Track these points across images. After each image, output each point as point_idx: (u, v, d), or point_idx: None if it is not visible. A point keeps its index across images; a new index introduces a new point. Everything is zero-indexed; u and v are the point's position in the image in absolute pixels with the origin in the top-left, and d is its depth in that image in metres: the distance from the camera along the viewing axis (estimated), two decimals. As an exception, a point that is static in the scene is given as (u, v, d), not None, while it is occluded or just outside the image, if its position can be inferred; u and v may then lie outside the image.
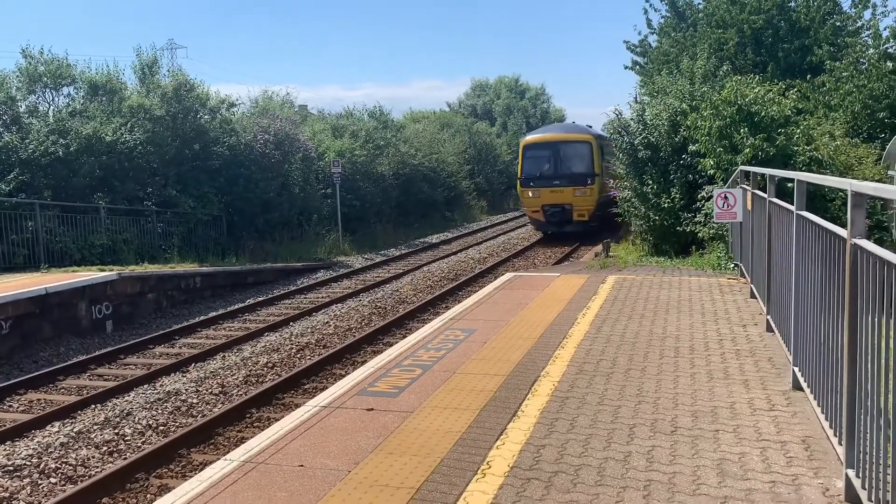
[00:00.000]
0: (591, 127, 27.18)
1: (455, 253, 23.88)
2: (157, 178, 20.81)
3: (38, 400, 9.63)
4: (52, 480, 7.03)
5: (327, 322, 13.58)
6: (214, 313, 14.83)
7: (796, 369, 5.47)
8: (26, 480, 6.98)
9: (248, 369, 10.61)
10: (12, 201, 16.55)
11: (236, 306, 15.43)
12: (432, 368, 6.55)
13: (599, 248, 18.16)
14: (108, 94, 22.17)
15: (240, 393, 9.61)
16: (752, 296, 8.92)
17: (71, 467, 7.30)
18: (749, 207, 8.95)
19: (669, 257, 14.30)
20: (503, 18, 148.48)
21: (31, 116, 20.68)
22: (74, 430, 8.27)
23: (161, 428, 8.38)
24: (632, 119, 16.66)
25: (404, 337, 10.41)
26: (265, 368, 10.69)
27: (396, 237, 28.36)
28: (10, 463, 7.32)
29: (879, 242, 3.88)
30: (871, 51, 18.85)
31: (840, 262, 3.88)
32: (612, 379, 6.01)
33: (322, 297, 16.41)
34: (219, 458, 4.82)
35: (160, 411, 8.90)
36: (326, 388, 7.50)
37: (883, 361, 3.16)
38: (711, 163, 12.76)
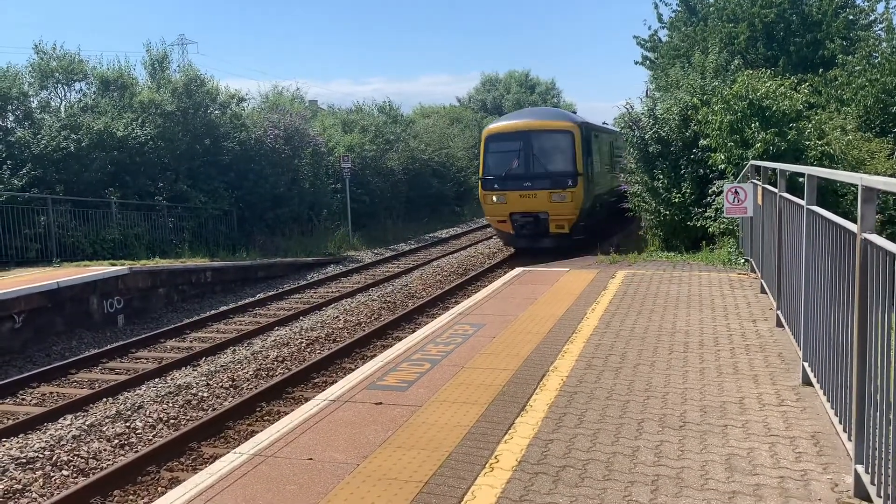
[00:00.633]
0: (575, 113, 23.61)
1: (465, 248, 23.89)
2: (168, 172, 20.90)
3: (51, 393, 9.71)
4: (65, 473, 7.09)
5: (337, 316, 13.62)
6: (225, 307, 14.89)
7: (806, 364, 5.45)
8: (39, 473, 7.04)
9: (259, 363, 10.65)
10: (25, 196, 16.67)
11: (246, 300, 15.49)
12: (441, 363, 6.56)
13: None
14: (119, 90, 22.27)
15: (250, 387, 9.66)
16: (763, 291, 8.89)
17: (83, 460, 7.36)
18: (760, 202, 8.91)
19: (680, 252, 14.24)
20: (512, 13, 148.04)
21: (44, 112, 20.80)
22: (86, 423, 8.34)
23: (172, 421, 8.44)
24: (642, 113, 16.60)
25: (413, 331, 10.43)
26: (275, 362, 10.73)
27: (406, 232, 28.39)
28: (23, 455, 7.39)
29: (892, 238, 3.85)
30: (885, 44, 18.70)
31: (850, 257, 3.86)
32: (621, 374, 6.01)
33: (332, 292, 16.46)
34: (229, 452, 4.85)
35: (171, 405, 8.95)
36: (336, 381, 7.53)
37: (893, 357, 3.15)
38: (722, 157, 12.70)
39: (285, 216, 23.37)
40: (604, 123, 24.76)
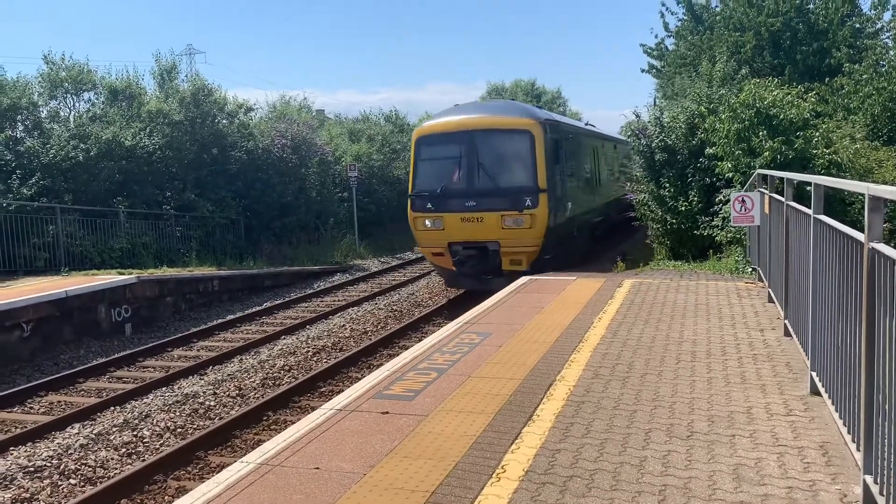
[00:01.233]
0: (541, 108, 18.92)
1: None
2: (175, 182, 21.00)
3: (59, 402, 9.74)
4: (72, 481, 7.11)
5: (343, 325, 13.63)
6: (232, 316, 14.93)
7: (814, 374, 5.43)
8: (47, 481, 7.06)
9: (265, 372, 10.67)
10: (34, 205, 16.77)
11: (253, 309, 15.53)
12: (447, 372, 6.55)
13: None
14: (127, 100, 22.42)
15: (256, 396, 9.67)
16: (770, 300, 8.86)
17: (90, 468, 7.38)
18: (767, 211, 8.89)
19: (687, 261, 14.21)
20: (519, 23, 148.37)
21: (53, 121, 20.96)
22: (94, 431, 8.36)
23: (179, 430, 8.45)
24: (648, 122, 16.60)
25: (420, 340, 10.43)
26: (282, 371, 10.74)
27: (412, 241, 28.38)
28: (30, 464, 7.41)
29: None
30: (892, 52, 18.70)
31: (857, 266, 3.85)
32: (629, 383, 5.99)
33: (338, 301, 16.48)
34: (235, 461, 4.86)
35: (178, 413, 8.97)
36: (342, 390, 7.53)
37: (901, 366, 3.13)
38: (729, 166, 12.69)
39: (292, 225, 23.44)
40: (588, 125, 22.13)
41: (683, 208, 14.90)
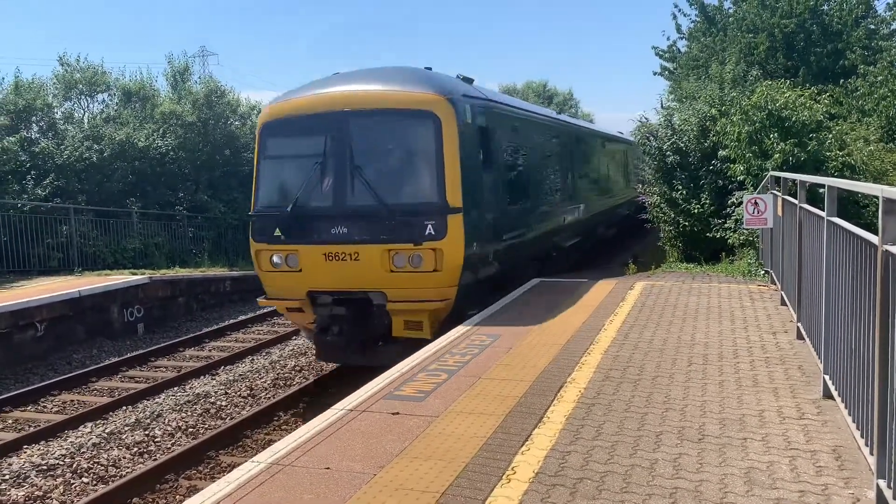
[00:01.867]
0: (466, 81, 10.81)
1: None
2: (188, 183, 21.13)
3: (72, 401, 9.81)
4: (85, 480, 7.16)
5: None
6: (243, 317, 14.99)
7: (827, 377, 5.39)
8: (59, 480, 7.11)
9: (276, 372, 10.70)
10: (48, 206, 16.91)
11: (265, 310, 15.58)
12: (457, 373, 6.55)
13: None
14: (141, 101, 22.59)
15: (268, 396, 9.70)
16: (783, 303, 8.80)
17: (103, 467, 7.43)
18: (780, 213, 8.84)
19: (699, 263, 14.15)
20: (531, 25, 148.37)
21: (67, 123, 21.12)
22: (106, 430, 8.41)
23: (190, 430, 8.50)
24: (660, 124, 16.54)
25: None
26: (293, 371, 10.78)
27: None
28: (44, 462, 7.47)
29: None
30: (907, 54, 18.55)
31: (871, 269, 3.82)
32: (640, 386, 5.97)
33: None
34: (246, 460, 4.87)
35: (190, 413, 9.01)
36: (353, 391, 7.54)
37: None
38: (741, 168, 12.63)
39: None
40: (560, 113, 18.85)
41: (696, 211, 14.84)
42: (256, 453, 5.53)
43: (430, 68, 10.62)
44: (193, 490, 6.70)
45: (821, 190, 6.57)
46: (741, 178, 12.76)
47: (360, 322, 9.36)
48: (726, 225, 13.66)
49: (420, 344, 8.12)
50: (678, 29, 26.06)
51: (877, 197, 3.65)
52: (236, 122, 23.52)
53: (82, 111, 22.65)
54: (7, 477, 7.16)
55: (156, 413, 9.00)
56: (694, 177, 15.22)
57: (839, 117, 15.79)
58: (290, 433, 5.25)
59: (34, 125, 20.15)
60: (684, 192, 15.18)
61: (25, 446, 7.98)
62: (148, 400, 9.60)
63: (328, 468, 4.56)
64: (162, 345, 12.68)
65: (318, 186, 9.34)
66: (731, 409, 5.33)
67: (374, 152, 9.34)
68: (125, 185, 19.53)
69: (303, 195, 9.32)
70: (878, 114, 17.03)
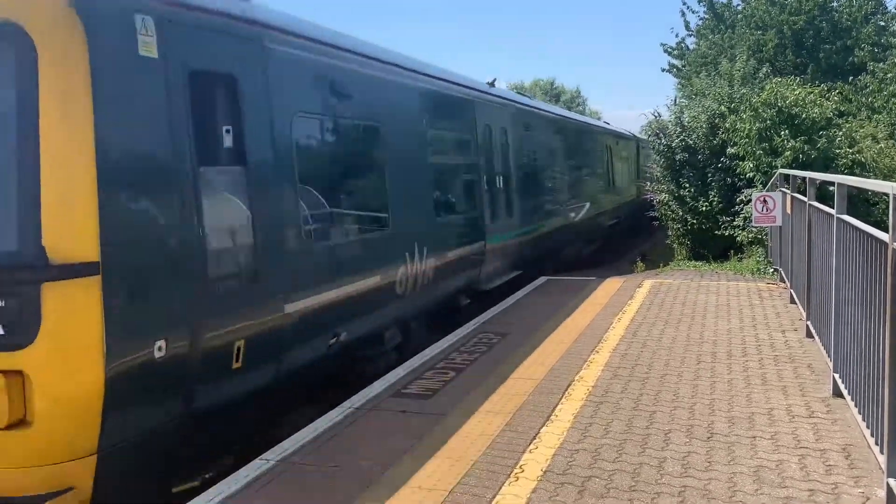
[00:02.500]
0: None
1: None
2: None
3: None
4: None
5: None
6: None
7: (836, 376, 5.37)
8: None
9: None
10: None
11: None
12: (465, 371, 6.55)
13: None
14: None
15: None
16: (792, 301, 8.77)
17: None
18: (789, 211, 8.81)
19: (707, 261, 14.10)
20: (538, 22, 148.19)
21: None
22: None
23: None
24: (669, 121, 16.48)
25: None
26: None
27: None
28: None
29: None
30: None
31: (882, 266, 3.80)
32: (648, 384, 5.95)
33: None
34: (255, 458, 4.88)
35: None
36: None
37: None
38: (751, 166, 12.58)
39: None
40: (492, 84, 11.96)
41: (704, 208, 14.78)
42: (264, 451, 5.51)
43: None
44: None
45: (830, 188, 6.54)
46: (750, 175, 12.71)
47: None
48: (735, 223, 13.61)
49: None
50: (687, 26, 25.98)
51: (887, 194, 3.63)
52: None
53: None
54: None
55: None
56: (702, 174, 15.17)
57: (848, 115, 15.71)
58: (298, 431, 5.25)
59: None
60: (692, 189, 15.13)
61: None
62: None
63: (336, 466, 4.56)
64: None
65: None
66: (739, 407, 5.32)
67: None
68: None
69: None
70: (887, 111, 16.92)
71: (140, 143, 4.47)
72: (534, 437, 4.87)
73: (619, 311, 9.02)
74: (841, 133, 12.36)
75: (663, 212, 16.48)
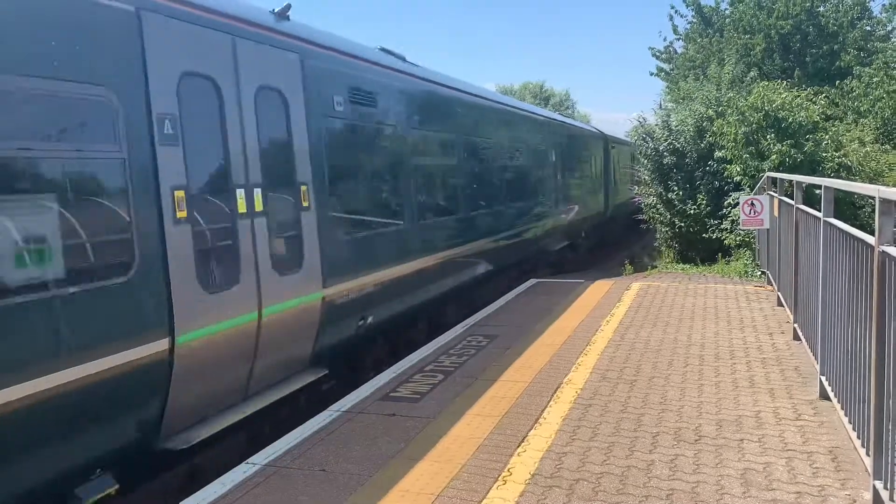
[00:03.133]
0: None
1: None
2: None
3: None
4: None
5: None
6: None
7: (823, 378, 5.39)
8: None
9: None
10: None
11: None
12: (454, 374, 6.54)
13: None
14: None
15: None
16: (779, 304, 8.81)
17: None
18: (776, 214, 8.85)
19: (695, 264, 14.16)
20: (527, 25, 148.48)
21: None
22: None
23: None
24: (656, 125, 16.55)
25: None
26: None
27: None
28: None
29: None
30: (903, 55, 18.59)
31: (868, 269, 3.82)
32: (636, 386, 5.96)
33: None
34: (241, 462, 4.85)
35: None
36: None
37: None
38: (738, 169, 12.64)
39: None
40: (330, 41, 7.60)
41: (692, 211, 14.85)
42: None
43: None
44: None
45: (817, 191, 6.57)
46: (738, 178, 12.77)
47: None
48: (723, 226, 13.68)
49: None
50: (675, 30, 26.11)
51: (873, 198, 3.64)
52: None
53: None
54: None
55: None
56: (690, 177, 15.24)
57: (835, 118, 15.82)
58: (285, 434, 5.23)
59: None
60: (680, 192, 15.20)
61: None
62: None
63: (324, 470, 4.54)
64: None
65: None
66: (727, 410, 5.33)
67: None
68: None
69: None
70: (873, 115, 17.08)
71: None
72: (522, 441, 4.86)
73: (607, 313, 9.03)
74: (827, 137, 12.44)
75: (651, 215, 16.54)
